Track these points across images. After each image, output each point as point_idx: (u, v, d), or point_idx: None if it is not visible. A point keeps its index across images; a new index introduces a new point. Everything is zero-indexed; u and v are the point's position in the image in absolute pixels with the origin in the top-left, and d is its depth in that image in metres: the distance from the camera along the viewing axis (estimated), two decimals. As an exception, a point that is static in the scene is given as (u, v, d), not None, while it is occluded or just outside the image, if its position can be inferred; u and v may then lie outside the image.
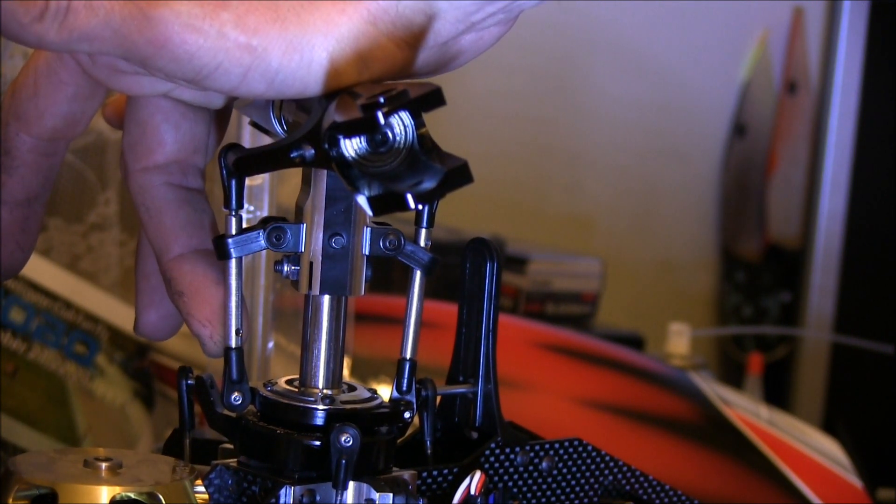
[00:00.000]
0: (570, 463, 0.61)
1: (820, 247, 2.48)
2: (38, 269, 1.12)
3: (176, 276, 0.54)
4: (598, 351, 1.17)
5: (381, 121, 0.48)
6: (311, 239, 0.54)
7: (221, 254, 0.54)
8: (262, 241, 0.54)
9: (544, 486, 0.61)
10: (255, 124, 0.59)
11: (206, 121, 0.56)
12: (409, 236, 0.56)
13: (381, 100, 0.48)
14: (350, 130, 0.49)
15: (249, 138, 0.91)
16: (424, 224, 0.56)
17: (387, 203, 0.49)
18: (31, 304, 1.10)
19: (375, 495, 0.54)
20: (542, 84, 2.22)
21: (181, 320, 0.56)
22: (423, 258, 0.56)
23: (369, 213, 0.49)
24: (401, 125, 0.50)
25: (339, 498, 0.54)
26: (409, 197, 0.49)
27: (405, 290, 0.57)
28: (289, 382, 0.56)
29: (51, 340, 1.11)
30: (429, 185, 0.49)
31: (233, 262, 0.54)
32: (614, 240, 2.29)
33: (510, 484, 0.60)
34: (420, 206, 0.49)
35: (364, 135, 0.49)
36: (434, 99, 0.49)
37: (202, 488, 0.54)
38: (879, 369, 2.37)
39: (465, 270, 0.61)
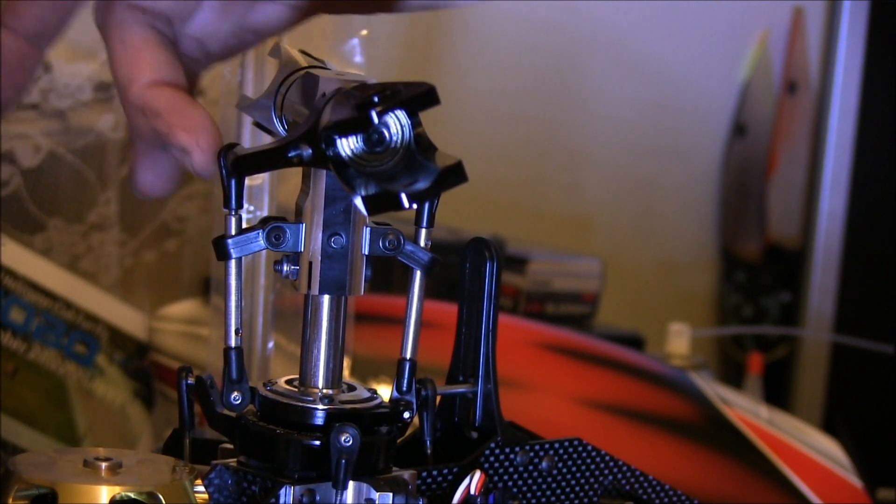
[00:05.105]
0: (570, 463, 0.61)
1: (820, 247, 2.48)
2: (38, 269, 1.12)
3: (149, 99, 0.53)
4: (598, 351, 1.17)
5: (375, 119, 0.49)
6: (311, 239, 0.54)
7: (221, 254, 0.54)
8: (262, 242, 0.54)
9: (544, 486, 0.61)
10: (258, 125, 0.59)
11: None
12: (409, 236, 0.56)
13: (375, 99, 0.48)
14: (345, 129, 0.49)
15: (250, 138, 0.91)
16: (424, 224, 0.56)
17: (381, 202, 0.49)
18: (31, 304, 1.10)
19: (375, 495, 0.54)
20: (542, 84, 2.22)
21: (177, 176, 0.55)
22: (423, 258, 0.56)
23: (364, 212, 0.49)
24: (397, 124, 0.50)
25: (338, 498, 0.54)
26: (403, 196, 0.49)
27: (405, 290, 0.57)
28: (289, 382, 0.56)
29: (51, 340, 1.11)
30: (423, 184, 0.50)
31: (232, 262, 0.54)
32: (614, 240, 2.29)
33: (510, 484, 0.60)
34: (414, 205, 0.50)
35: (359, 133, 0.50)
36: (428, 98, 0.49)
37: (202, 488, 0.54)
38: (879, 369, 2.37)
39: (465, 270, 0.61)
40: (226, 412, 0.55)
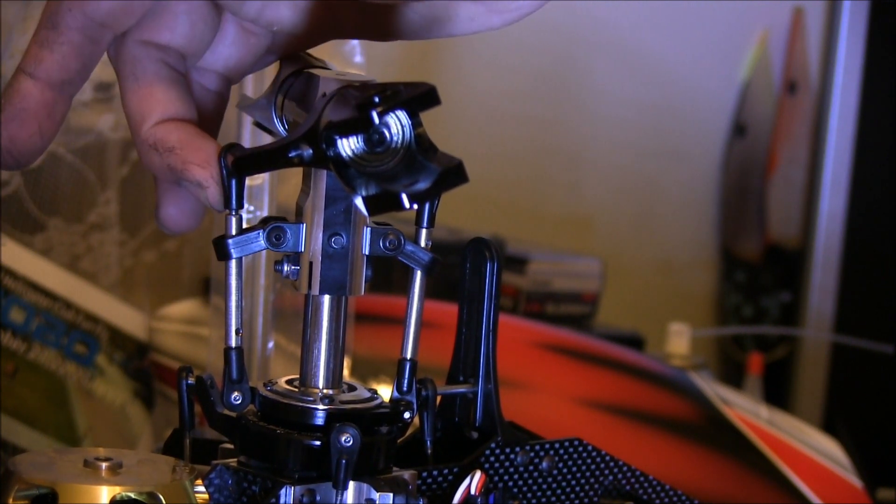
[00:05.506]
0: (570, 463, 0.61)
1: (820, 247, 2.48)
2: (38, 269, 1.12)
3: (162, 136, 0.54)
4: (598, 351, 1.17)
5: (376, 120, 0.49)
6: (311, 239, 0.54)
7: (221, 254, 0.54)
8: (262, 242, 0.54)
9: (544, 486, 0.61)
10: (258, 124, 0.59)
11: (215, 29, 0.56)
12: (409, 236, 0.56)
13: (376, 99, 0.48)
14: (345, 130, 0.49)
15: (250, 138, 0.91)
16: (425, 224, 0.56)
17: (382, 202, 0.49)
18: (31, 304, 1.10)
19: (375, 495, 0.54)
20: (542, 84, 2.22)
21: (200, 211, 0.56)
22: (424, 258, 0.56)
23: (364, 212, 0.49)
24: (398, 124, 0.50)
25: (339, 498, 0.54)
26: (404, 196, 0.49)
27: (405, 290, 0.57)
28: (289, 382, 0.56)
29: (51, 340, 1.11)
30: (424, 184, 0.49)
31: (233, 262, 0.54)
32: (614, 240, 2.29)
33: (510, 484, 0.60)
34: (415, 206, 0.50)
35: (359, 134, 0.50)
36: (428, 98, 0.49)
37: (202, 488, 0.54)
38: (879, 369, 2.37)
39: (465, 270, 0.61)
40: (226, 412, 0.55)
